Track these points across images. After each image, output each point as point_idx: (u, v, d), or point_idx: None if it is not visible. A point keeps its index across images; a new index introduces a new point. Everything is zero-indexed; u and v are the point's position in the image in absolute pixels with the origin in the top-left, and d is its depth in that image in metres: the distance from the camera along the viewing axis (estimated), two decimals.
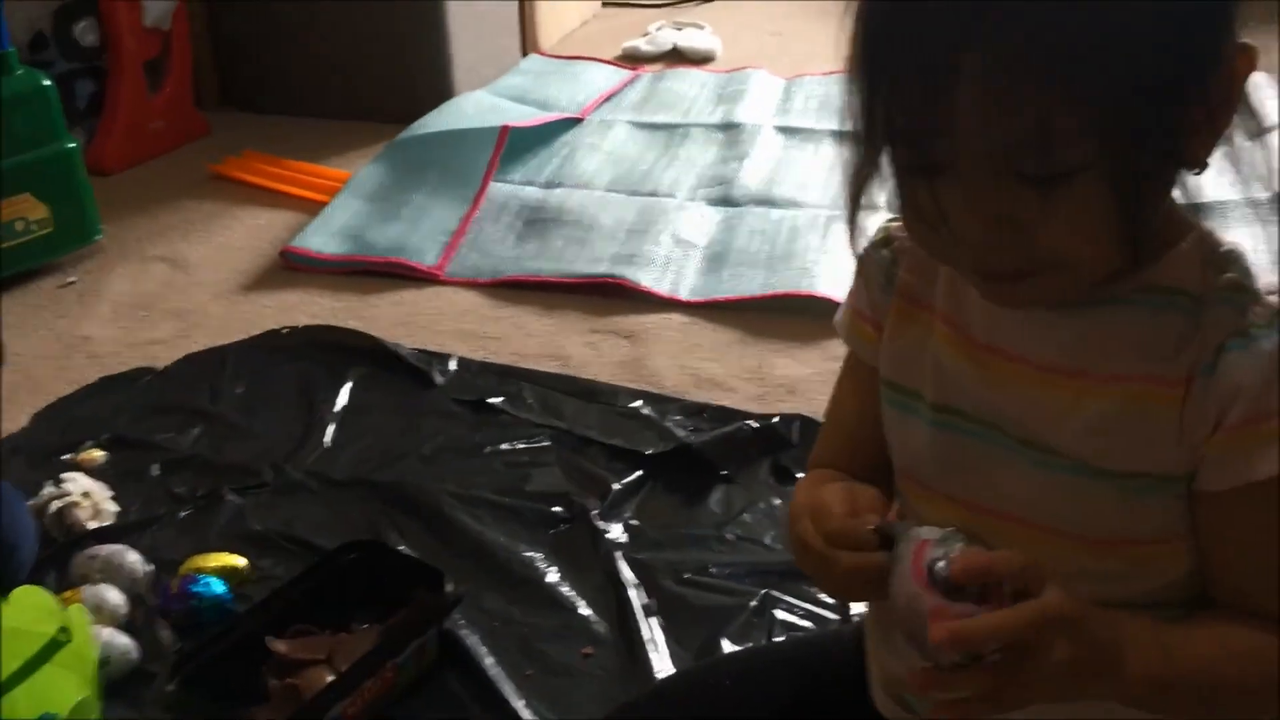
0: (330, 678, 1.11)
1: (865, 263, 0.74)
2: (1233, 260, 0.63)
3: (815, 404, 1.62)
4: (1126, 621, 0.63)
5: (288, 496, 1.47)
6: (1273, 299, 0.61)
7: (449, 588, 1.19)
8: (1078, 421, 0.64)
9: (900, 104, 0.57)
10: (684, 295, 1.91)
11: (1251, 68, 0.57)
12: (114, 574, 1.27)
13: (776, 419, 1.55)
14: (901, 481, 0.75)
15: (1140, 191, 0.57)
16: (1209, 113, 0.57)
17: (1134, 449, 0.63)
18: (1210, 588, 0.66)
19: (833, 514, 0.65)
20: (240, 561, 1.31)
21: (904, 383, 0.71)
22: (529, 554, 1.35)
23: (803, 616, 1.25)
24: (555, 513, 1.42)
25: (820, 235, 2.03)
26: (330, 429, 1.60)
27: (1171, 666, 0.63)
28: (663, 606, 1.27)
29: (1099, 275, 0.61)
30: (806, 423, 1.55)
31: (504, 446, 1.55)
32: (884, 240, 0.73)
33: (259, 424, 1.62)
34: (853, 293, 0.77)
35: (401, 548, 1.35)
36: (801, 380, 1.68)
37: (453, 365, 1.74)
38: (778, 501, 1.43)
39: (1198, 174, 0.60)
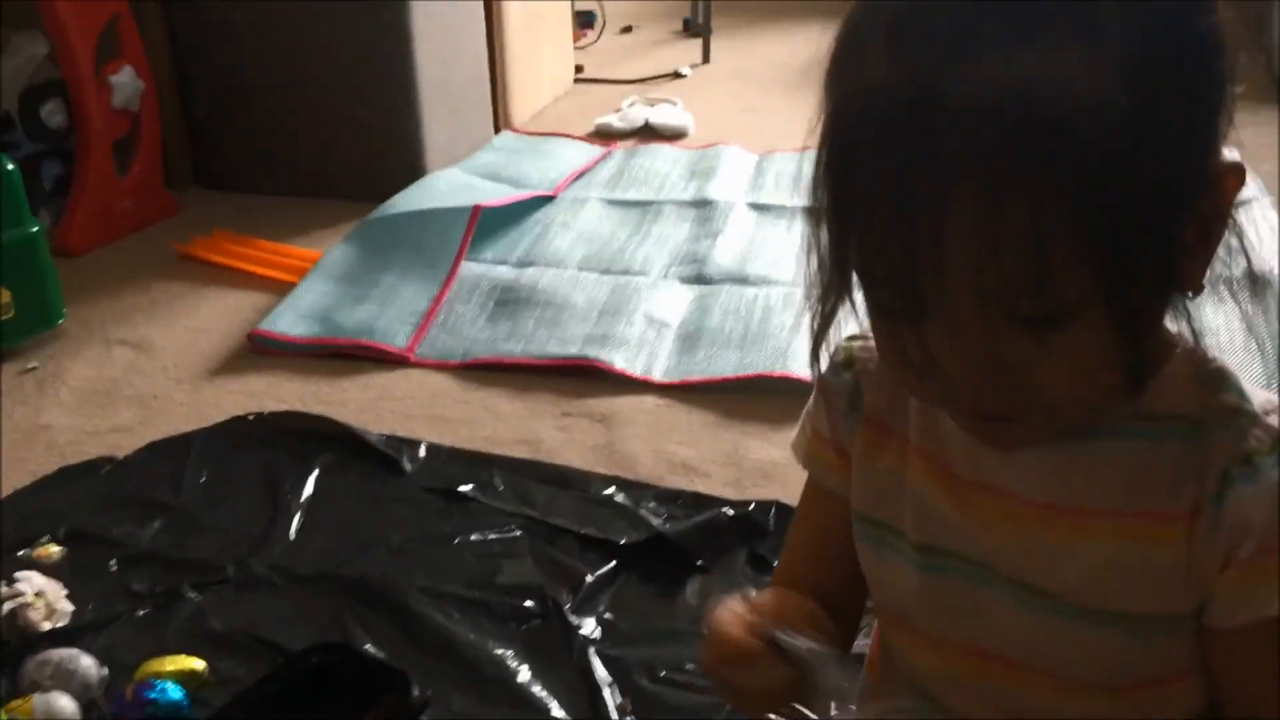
0: None
1: (826, 386, 0.71)
2: (1224, 378, 0.61)
3: (792, 489, 1.59)
4: None
5: (251, 593, 1.42)
6: (1271, 419, 0.58)
7: (416, 691, 1.14)
8: (1075, 563, 0.61)
9: (880, 243, 0.53)
10: (658, 376, 1.89)
11: (1240, 184, 0.55)
12: (67, 680, 1.22)
13: (753, 505, 1.52)
14: (884, 620, 0.72)
15: (1139, 326, 0.54)
16: (1201, 234, 0.55)
17: (1137, 590, 0.60)
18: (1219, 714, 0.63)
19: (726, 633, 0.64)
20: (199, 665, 1.26)
21: (881, 517, 0.68)
22: (499, 651, 1.31)
23: (787, 715, 1.21)
24: (527, 607, 1.38)
25: (794, 314, 2.02)
26: (296, 520, 1.56)
27: None
28: (638, 705, 1.23)
29: (1095, 413, 0.59)
30: (783, 509, 1.52)
31: (474, 537, 1.51)
32: (846, 362, 0.70)
33: (222, 516, 1.58)
34: (811, 415, 0.72)
35: (368, 647, 1.30)
36: (778, 464, 1.65)
37: (422, 452, 1.70)
38: (755, 593, 1.40)
39: (1192, 298, 0.58)
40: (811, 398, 0.72)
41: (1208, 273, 0.56)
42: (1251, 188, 2.32)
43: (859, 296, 0.59)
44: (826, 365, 0.70)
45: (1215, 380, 0.60)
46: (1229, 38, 0.53)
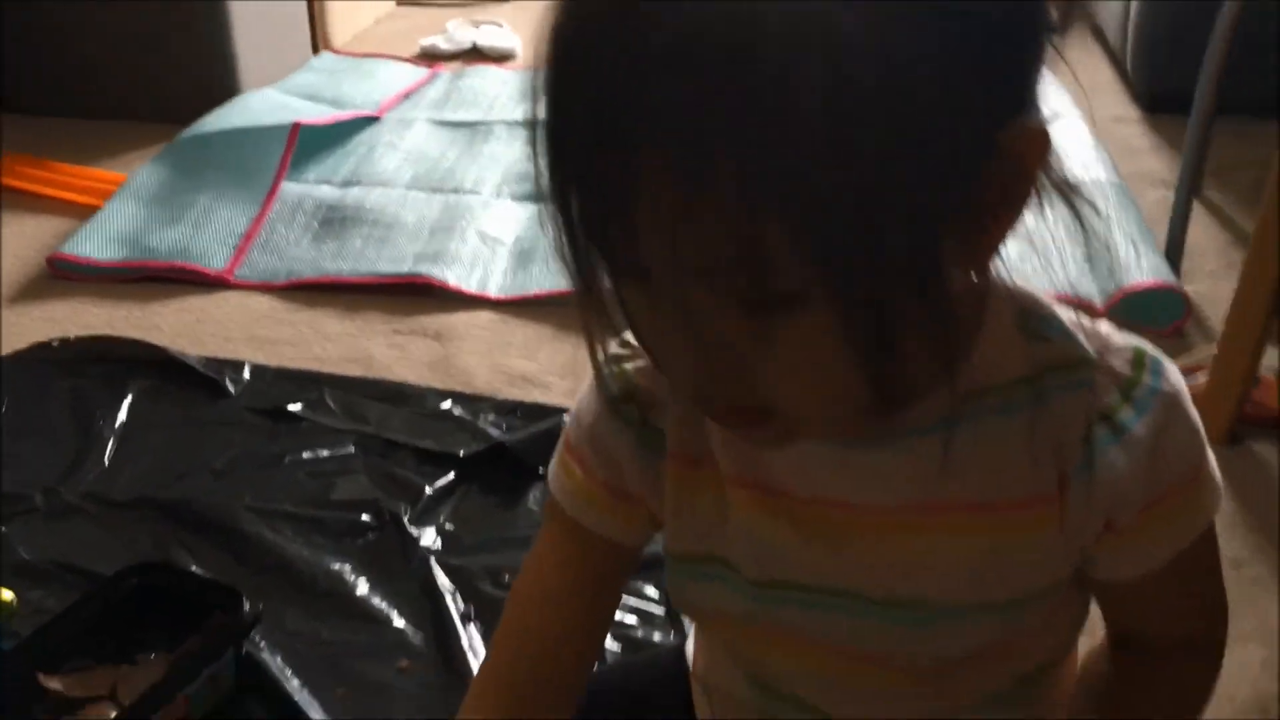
0: (114, 714, 1.00)
1: (602, 424, 0.60)
2: (1045, 320, 0.54)
3: None
4: None
5: (61, 522, 1.33)
6: (1111, 361, 0.54)
7: (246, 607, 1.09)
8: (942, 566, 0.55)
9: (584, 198, 0.44)
10: (493, 292, 1.85)
11: (1043, 152, 0.46)
12: None
13: None
14: (712, 629, 0.67)
15: (882, 324, 0.44)
16: (983, 211, 0.45)
17: (1012, 577, 0.56)
18: (1111, 631, 0.64)
19: None
20: (6, 595, 1.18)
21: (706, 553, 0.60)
22: (335, 566, 1.26)
23: (628, 612, 1.21)
24: (363, 521, 1.33)
25: None
26: (109, 446, 1.47)
27: None
28: (481, 612, 1.21)
29: (829, 424, 0.50)
30: None
31: (305, 455, 1.45)
32: (626, 393, 0.59)
33: (28, 446, 1.47)
34: (577, 452, 0.62)
35: (193, 568, 1.24)
36: None
37: (246, 373, 1.62)
38: None
39: (978, 279, 0.51)
40: (580, 431, 0.62)
41: (1003, 239, 0.48)
42: (1062, 105, 2.41)
43: None
44: (604, 402, 0.60)
45: (1037, 325, 0.54)
46: None
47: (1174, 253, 1.89)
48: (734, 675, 0.68)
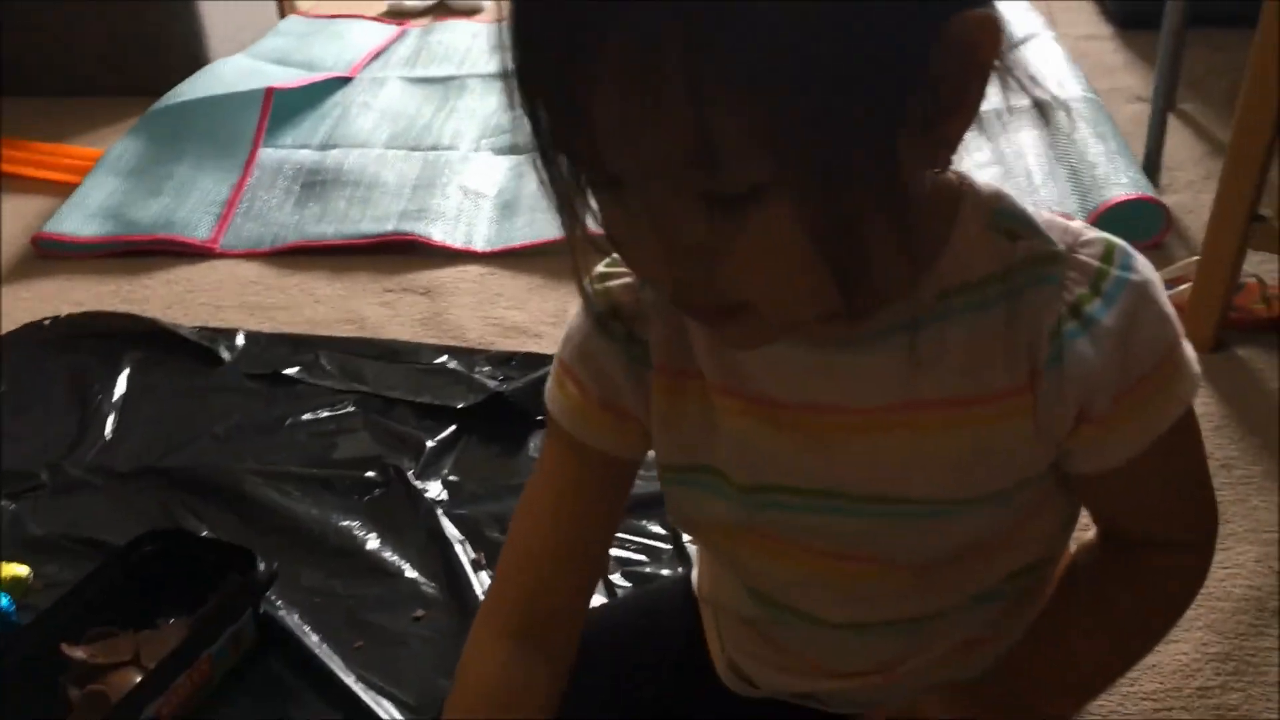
0: (139, 678, 1.02)
1: (591, 342, 0.62)
2: (1016, 218, 0.55)
3: None
4: (1017, 672, 0.63)
5: (68, 496, 1.34)
6: (1079, 255, 0.54)
7: (261, 566, 1.10)
8: (928, 464, 0.57)
9: (548, 103, 0.46)
10: (479, 246, 1.85)
11: (995, 42, 0.46)
12: None
13: None
14: (708, 540, 0.68)
15: (841, 216, 0.45)
16: (937, 105, 0.45)
17: (994, 470, 0.57)
18: (1100, 527, 0.65)
19: None
20: (22, 570, 1.19)
21: (696, 462, 0.62)
22: (345, 523, 1.28)
23: (636, 550, 1.23)
24: (368, 478, 1.35)
25: None
26: (110, 420, 1.48)
27: (1080, 676, 0.64)
28: (491, 559, 1.23)
29: (806, 318, 0.51)
30: None
31: (305, 417, 1.46)
32: (610, 310, 0.61)
33: (28, 425, 1.48)
34: (572, 370, 0.63)
35: (204, 533, 1.25)
36: None
37: (240, 340, 1.63)
38: None
39: (940, 173, 0.52)
40: (571, 349, 0.63)
41: (962, 134, 0.48)
42: (1034, 25, 2.40)
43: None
44: (591, 318, 0.61)
45: (1009, 223, 0.55)
46: None
47: (1152, 165, 1.91)
48: (736, 590, 0.69)
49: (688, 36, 0.40)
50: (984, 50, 0.46)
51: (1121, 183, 1.76)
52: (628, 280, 0.61)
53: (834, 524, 0.59)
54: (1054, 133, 1.88)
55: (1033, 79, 0.48)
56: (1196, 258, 1.51)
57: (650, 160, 0.44)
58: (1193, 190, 1.89)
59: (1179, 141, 2.03)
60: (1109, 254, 0.55)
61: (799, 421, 0.57)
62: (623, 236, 0.50)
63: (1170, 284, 1.56)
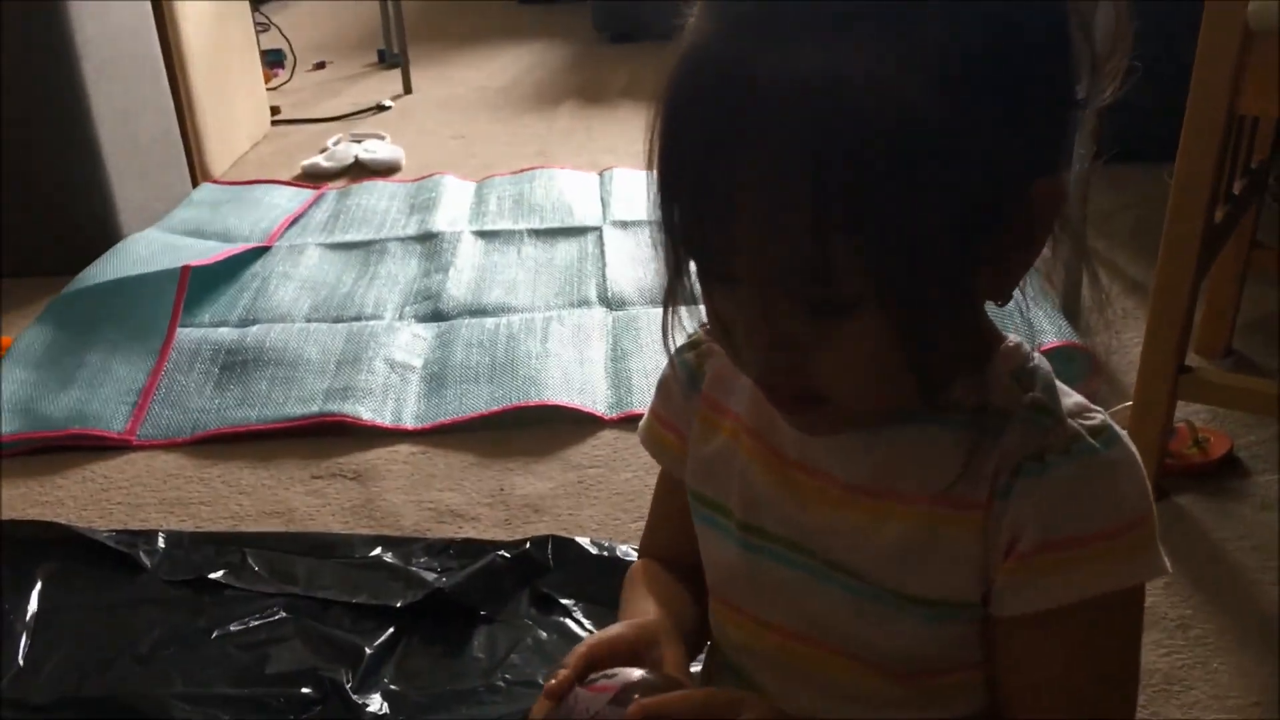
0: None
1: (670, 366, 0.72)
2: (1039, 377, 0.61)
3: (564, 521, 1.56)
4: None
5: None
6: (1074, 423, 0.59)
7: None
8: (879, 545, 0.61)
9: (685, 212, 0.54)
10: (409, 423, 1.81)
11: (1060, 201, 0.54)
12: None
13: (528, 544, 1.48)
14: (713, 602, 0.72)
15: (923, 331, 0.54)
16: (1011, 246, 0.55)
17: (935, 575, 0.61)
18: (1001, 715, 0.64)
19: (565, 667, 0.64)
20: None
21: (711, 495, 0.69)
22: None
23: None
24: (304, 694, 1.27)
25: (539, 340, 1.98)
26: (23, 642, 1.39)
27: None
28: None
29: (882, 409, 0.59)
30: (560, 542, 1.48)
31: (234, 627, 1.39)
32: (691, 344, 0.71)
33: None
34: (655, 398, 0.75)
35: None
36: (546, 497, 1.61)
37: (161, 542, 1.55)
38: (544, 635, 1.35)
39: (1001, 305, 0.58)
40: (658, 383, 0.74)
41: (1020, 284, 0.56)
42: None
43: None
44: (677, 347, 0.71)
45: (1030, 378, 0.61)
46: (1077, 53, 0.54)
47: (1071, 308, 1.95)
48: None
49: (818, 175, 0.49)
50: (1051, 209, 0.54)
51: (1046, 329, 1.79)
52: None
53: (802, 584, 0.64)
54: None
55: (1080, 237, 0.59)
56: (1129, 404, 1.53)
57: (771, 269, 0.53)
58: (1112, 330, 1.93)
59: (1094, 279, 2.08)
60: (1097, 430, 0.59)
61: (794, 478, 0.64)
62: (730, 323, 0.57)
63: None
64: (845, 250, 0.50)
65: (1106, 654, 0.61)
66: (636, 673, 0.62)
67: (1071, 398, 0.61)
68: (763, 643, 0.68)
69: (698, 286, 0.59)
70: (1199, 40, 1.30)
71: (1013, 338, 0.62)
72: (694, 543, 0.73)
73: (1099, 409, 0.61)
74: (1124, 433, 0.60)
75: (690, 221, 0.54)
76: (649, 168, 0.55)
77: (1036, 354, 0.62)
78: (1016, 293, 0.58)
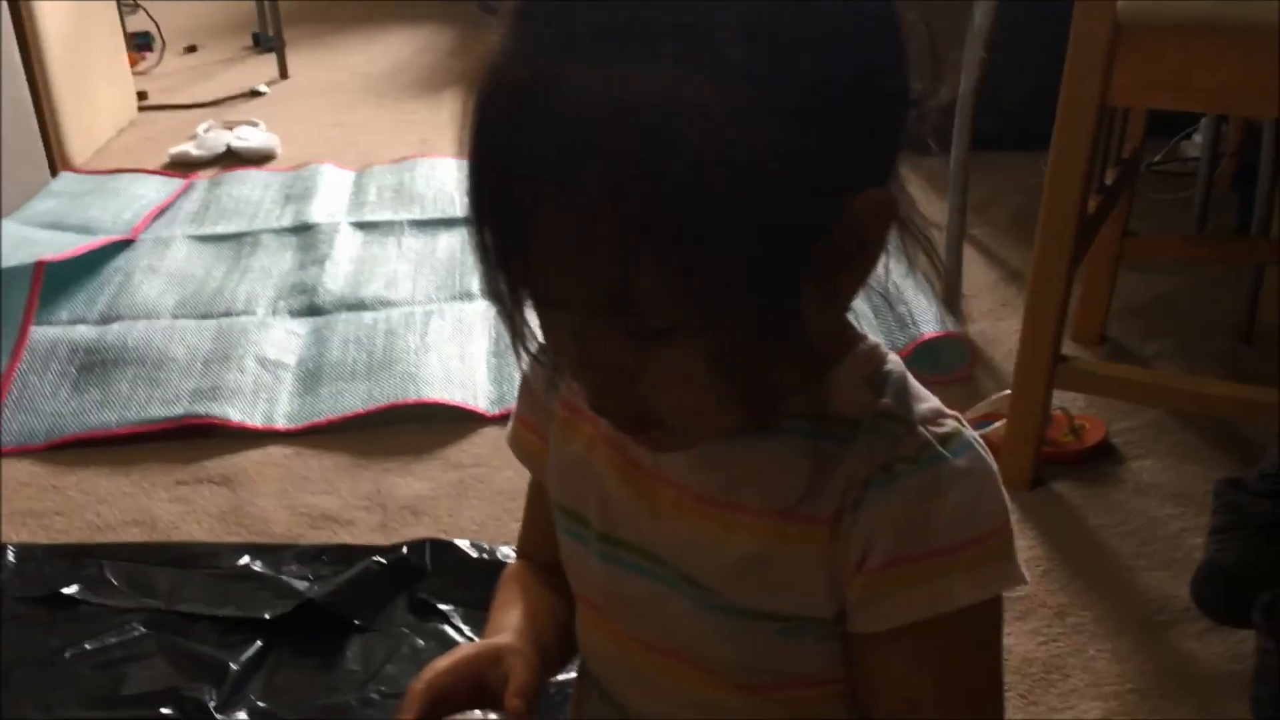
0: None
1: (531, 368, 0.69)
2: (890, 382, 0.59)
3: (444, 523, 1.51)
4: None
5: None
6: (924, 431, 0.57)
7: None
8: (727, 558, 0.59)
9: (492, 227, 0.51)
10: (281, 423, 1.74)
11: (889, 215, 0.53)
12: None
13: (406, 549, 1.43)
14: (579, 602, 0.70)
15: (740, 357, 0.52)
16: (839, 262, 0.52)
17: (782, 589, 0.59)
18: None
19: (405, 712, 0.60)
20: None
21: (572, 507, 0.66)
22: None
23: None
24: (164, 715, 1.21)
25: (419, 334, 1.93)
26: None
27: None
28: None
29: (711, 433, 0.57)
30: (439, 546, 1.43)
31: (89, 645, 1.31)
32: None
33: None
34: (519, 400, 0.72)
35: None
36: (425, 498, 1.56)
37: (10, 556, 1.46)
38: (422, 643, 1.31)
39: (841, 315, 0.56)
40: (520, 384, 0.72)
41: (859, 288, 0.54)
42: None
43: None
44: (535, 348, 0.68)
45: (882, 384, 0.58)
46: (908, 53, 0.52)
47: (951, 295, 1.96)
48: (597, 704, 0.71)
49: (615, 204, 0.46)
50: (879, 221, 0.52)
51: (926, 319, 1.80)
52: None
53: (657, 596, 0.62)
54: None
55: (928, 238, 0.56)
56: (1007, 392, 1.54)
57: (575, 297, 0.51)
58: (992, 318, 1.95)
59: (972, 268, 2.10)
60: (948, 438, 0.57)
61: (647, 486, 0.62)
62: (552, 345, 0.56)
63: (984, 420, 1.58)
64: (650, 279, 0.48)
65: (967, 667, 0.60)
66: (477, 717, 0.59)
67: (926, 403, 0.59)
68: (623, 652, 0.66)
69: None
70: (1070, 32, 1.30)
71: (870, 339, 0.60)
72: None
73: (954, 414, 0.59)
74: (977, 439, 0.58)
75: (499, 248, 0.52)
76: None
77: (893, 357, 0.60)
78: (893, 284, 0.56)
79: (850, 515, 0.56)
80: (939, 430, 0.57)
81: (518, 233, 0.50)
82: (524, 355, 0.59)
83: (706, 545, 0.60)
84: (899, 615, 0.57)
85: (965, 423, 0.59)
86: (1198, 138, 2.39)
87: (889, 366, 0.59)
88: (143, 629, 1.33)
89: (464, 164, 0.51)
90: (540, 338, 0.57)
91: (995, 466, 0.58)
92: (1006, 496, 0.57)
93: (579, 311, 0.52)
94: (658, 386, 0.53)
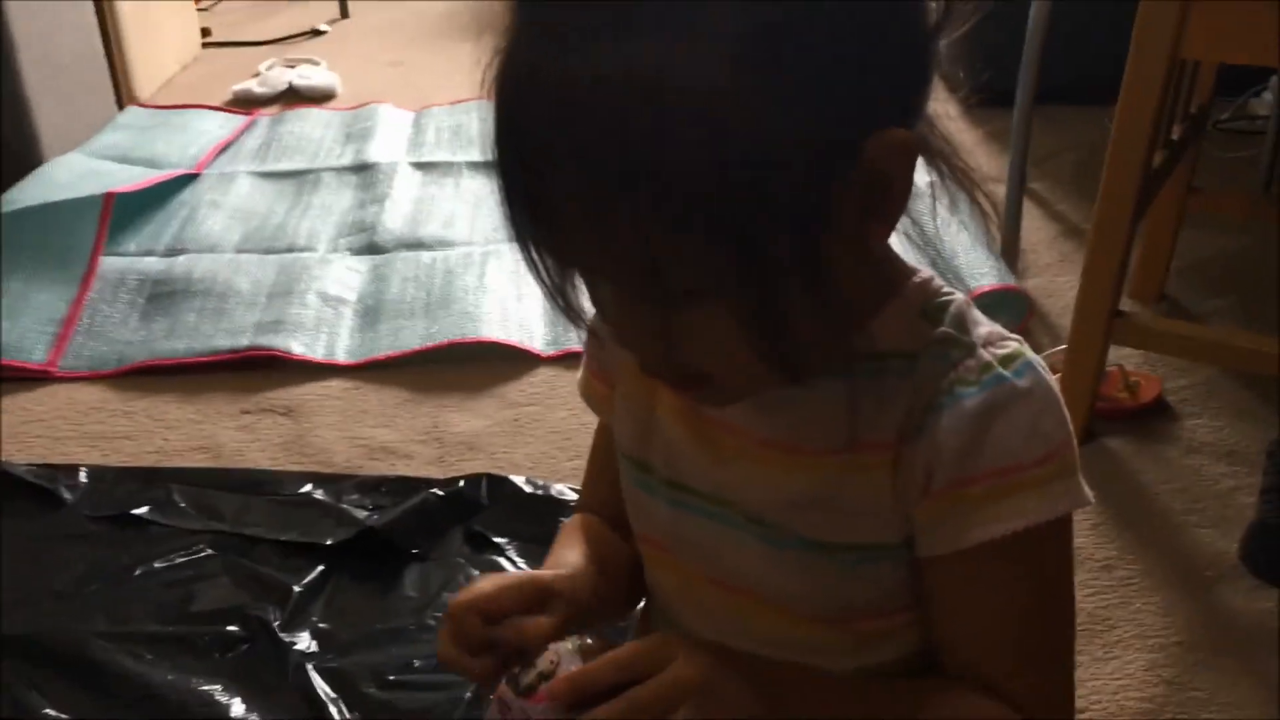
0: None
1: (595, 321, 0.69)
2: (947, 310, 0.59)
3: (499, 459, 1.54)
4: (804, 683, 0.60)
5: None
6: (985, 352, 0.57)
7: None
8: (794, 494, 0.61)
9: (520, 206, 0.52)
10: (341, 358, 1.78)
11: (911, 154, 0.52)
12: None
13: (462, 482, 1.46)
14: (641, 545, 0.71)
15: (772, 312, 0.52)
16: (866, 205, 0.52)
17: (850, 520, 0.60)
18: (938, 658, 0.63)
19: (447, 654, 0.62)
20: None
21: (638, 455, 0.67)
22: (205, 688, 1.18)
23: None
24: (230, 632, 1.25)
25: (477, 275, 1.95)
26: None
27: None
28: (369, 717, 1.15)
29: (755, 388, 0.58)
30: (494, 481, 1.46)
31: (158, 564, 1.36)
32: None
33: None
34: (586, 349, 0.73)
35: (48, 712, 1.14)
36: (481, 435, 1.59)
37: (83, 477, 1.51)
38: (477, 573, 1.34)
39: (875, 258, 0.57)
40: (587, 335, 0.72)
41: (890, 231, 0.55)
42: None
43: None
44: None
45: (938, 313, 0.59)
46: (904, 11, 0.51)
47: (1010, 250, 1.95)
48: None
49: (633, 175, 0.47)
50: (902, 159, 0.52)
51: (984, 272, 1.79)
52: None
53: (725, 538, 0.63)
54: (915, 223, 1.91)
55: (965, 173, 0.56)
56: (1062, 347, 1.54)
57: (600, 268, 0.53)
58: (1050, 273, 1.94)
59: (1031, 222, 2.08)
60: (1009, 359, 0.57)
61: (711, 434, 0.63)
62: (598, 310, 0.57)
63: None
64: (670, 246, 0.49)
65: (1038, 590, 0.60)
66: (565, 646, 0.59)
67: (985, 326, 0.59)
68: (691, 589, 0.67)
69: None
70: None
71: (923, 272, 0.60)
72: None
73: (1015, 336, 0.59)
74: (1038, 359, 0.58)
75: (524, 228, 0.53)
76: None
77: (948, 289, 0.60)
78: (949, 237, 0.56)
79: (912, 440, 0.57)
80: (1000, 351, 0.57)
81: (543, 211, 0.51)
82: (578, 321, 0.59)
83: (773, 485, 0.61)
84: (966, 536, 0.57)
85: (1025, 344, 0.59)
86: (1267, 96, 2.34)
87: (944, 297, 0.60)
88: (209, 550, 1.38)
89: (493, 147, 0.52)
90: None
91: (1057, 386, 0.58)
92: (1068, 416, 0.57)
93: (610, 281, 0.54)
94: (694, 348, 0.54)
